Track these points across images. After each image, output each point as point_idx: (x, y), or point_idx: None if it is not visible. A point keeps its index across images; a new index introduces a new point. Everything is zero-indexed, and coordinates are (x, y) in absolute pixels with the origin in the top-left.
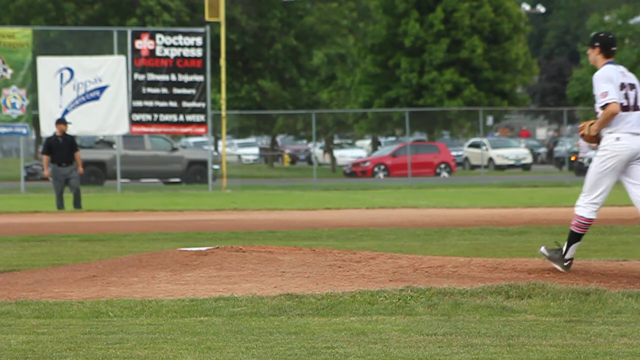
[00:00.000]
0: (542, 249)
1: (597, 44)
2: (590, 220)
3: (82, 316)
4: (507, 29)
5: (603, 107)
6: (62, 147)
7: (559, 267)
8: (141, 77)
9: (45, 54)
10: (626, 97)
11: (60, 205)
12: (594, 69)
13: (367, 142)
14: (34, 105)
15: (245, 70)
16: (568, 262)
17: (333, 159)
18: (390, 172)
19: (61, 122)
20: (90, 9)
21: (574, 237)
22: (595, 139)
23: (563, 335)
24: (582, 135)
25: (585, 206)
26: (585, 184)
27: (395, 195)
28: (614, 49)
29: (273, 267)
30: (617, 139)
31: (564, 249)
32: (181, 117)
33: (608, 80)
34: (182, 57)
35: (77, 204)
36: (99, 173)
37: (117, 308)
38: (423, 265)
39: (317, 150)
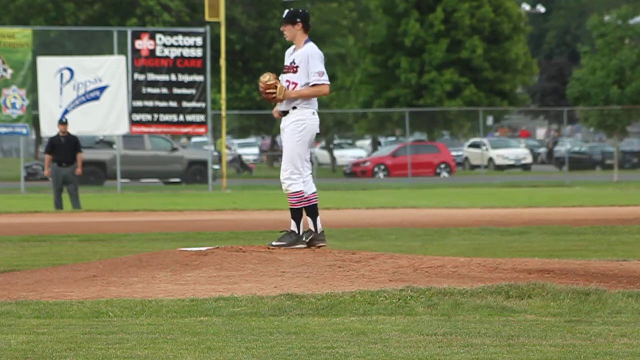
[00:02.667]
0: (273, 242)
1: (298, 19)
2: (302, 191)
3: (82, 316)
4: (507, 29)
5: (317, 85)
6: (63, 147)
7: (301, 245)
8: (141, 77)
9: (45, 54)
10: None
11: (57, 204)
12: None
13: (367, 142)
14: (34, 105)
15: (245, 70)
16: (306, 235)
17: (333, 158)
18: (390, 172)
19: (60, 122)
20: (90, 9)
21: (297, 214)
22: (280, 101)
23: (563, 335)
24: (273, 98)
25: (296, 181)
26: (287, 161)
27: (395, 195)
28: (310, 24)
29: (273, 267)
30: (313, 113)
31: (295, 229)
32: (181, 117)
33: (322, 60)
34: (182, 57)
35: (75, 204)
36: (99, 173)
37: (117, 308)
38: (423, 265)
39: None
